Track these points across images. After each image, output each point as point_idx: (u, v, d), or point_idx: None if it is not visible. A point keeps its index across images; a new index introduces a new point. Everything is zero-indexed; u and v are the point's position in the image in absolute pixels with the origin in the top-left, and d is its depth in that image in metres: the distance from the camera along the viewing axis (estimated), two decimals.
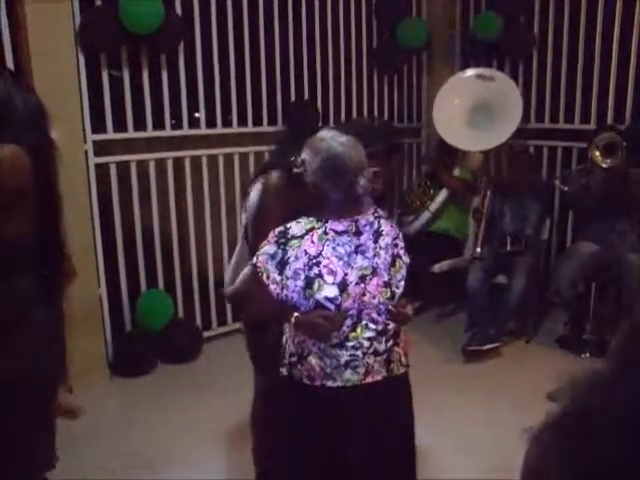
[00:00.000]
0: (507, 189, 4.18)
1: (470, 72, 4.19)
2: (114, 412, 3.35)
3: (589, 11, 4.31)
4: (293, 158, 1.85)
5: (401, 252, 1.88)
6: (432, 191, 4.65)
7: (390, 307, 1.83)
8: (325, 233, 1.75)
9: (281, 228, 1.76)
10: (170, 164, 3.90)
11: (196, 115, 4.02)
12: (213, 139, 4.08)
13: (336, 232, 1.76)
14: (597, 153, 3.61)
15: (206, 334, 4.15)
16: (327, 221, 1.76)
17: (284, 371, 1.87)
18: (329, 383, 1.80)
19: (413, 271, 1.95)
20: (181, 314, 4.07)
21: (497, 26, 4.56)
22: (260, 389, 2.35)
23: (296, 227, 1.75)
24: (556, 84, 4.59)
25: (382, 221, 1.86)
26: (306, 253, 1.72)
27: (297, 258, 1.72)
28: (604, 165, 3.59)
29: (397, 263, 1.86)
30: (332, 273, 1.73)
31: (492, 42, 4.65)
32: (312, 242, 1.73)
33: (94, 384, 3.54)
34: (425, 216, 4.59)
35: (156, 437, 3.09)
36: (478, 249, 3.98)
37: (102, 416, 3.31)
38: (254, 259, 1.76)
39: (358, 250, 1.78)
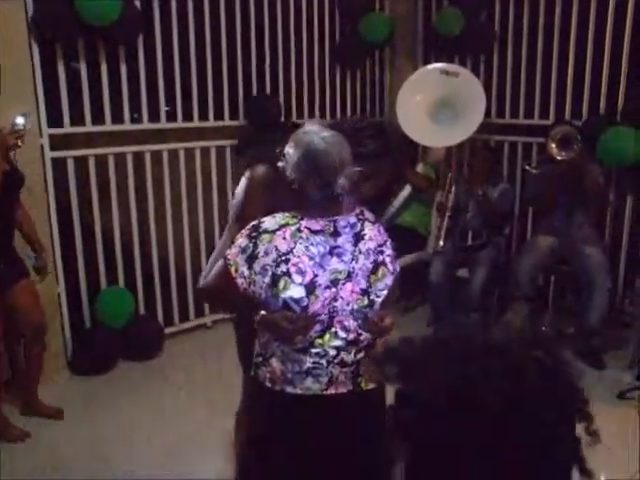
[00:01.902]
0: (471, 184, 4.22)
1: (434, 67, 4.19)
2: (74, 411, 3.28)
3: (548, 8, 4.37)
4: (278, 150, 1.77)
5: (387, 259, 1.76)
6: (395, 186, 4.66)
7: (369, 316, 1.71)
8: (299, 230, 1.66)
9: (255, 222, 1.70)
10: (130, 159, 3.83)
11: (164, 109, 3.94)
12: (174, 133, 4.02)
13: (311, 230, 1.67)
14: (553, 146, 3.68)
15: (168, 330, 4.11)
16: (302, 218, 1.68)
17: (252, 372, 1.81)
18: (289, 389, 1.71)
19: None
20: (142, 310, 4.01)
21: (459, 22, 4.60)
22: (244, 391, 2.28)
23: (270, 222, 1.68)
24: (516, 80, 4.65)
25: (367, 224, 1.76)
26: (276, 249, 1.64)
27: (267, 253, 1.64)
28: (559, 157, 3.65)
29: (380, 271, 1.73)
30: (301, 273, 1.64)
31: (454, 38, 4.68)
32: (284, 238, 1.65)
33: (53, 383, 3.47)
34: (389, 212, 4.61)
35: (117, 436, 3.05)
36: (441, 242, 4.01)
37: None
38: (227, 252, 1.71)
39: (334, 252, 1.69)
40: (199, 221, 4.18)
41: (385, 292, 1.75)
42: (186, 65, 3.96)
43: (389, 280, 1.76)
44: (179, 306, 4.21)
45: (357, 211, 1.77)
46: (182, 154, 4.04)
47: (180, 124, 4.02)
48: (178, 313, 4.21)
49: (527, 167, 4.12)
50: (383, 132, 2.00)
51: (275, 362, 1.73)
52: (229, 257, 1.68)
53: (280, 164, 1.72)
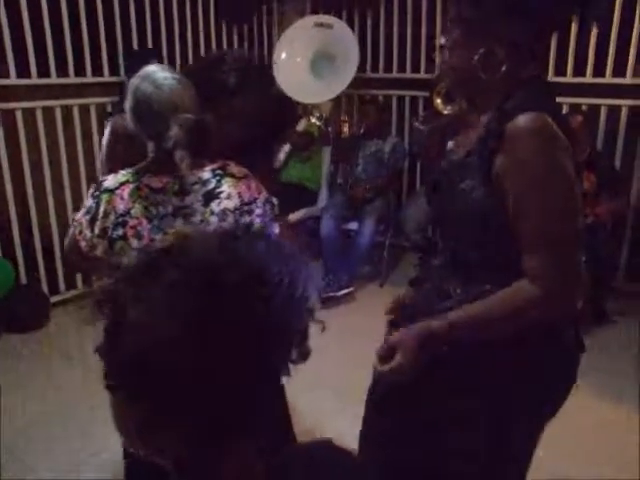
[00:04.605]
0: (361, 137, 4.26)
1: (307, 20, 4.15)
2: None
3: None
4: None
5: (257, 220, 1.53)
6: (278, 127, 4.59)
7: None
8: (138, 189, 1.51)
9: (101, 179, 1.58)
10: None
11: None
12: (48, 90, 3.77)
13: (151, 189, 1.51)
14: (438, 100, 3.76)
15: (54, 299, 3.93)
16: (144, 175, 1.52)
17: None
18: None
19: None
20: (24, 280, 3.80)
21: None
22: None
23: (111, 179, 1.55)
24: (403, 34, 4.69)
25: (226, 180, 1.54)
26: (114, 210, 1.51)
27: (106, 215, 1.51)
28: (445, 112, 3.74)
29: None
30: (138, 236, 1.50)
31: None
32: (122, 198, 1.51)
33: None
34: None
35: (4, 410, 2.88)
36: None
37: None
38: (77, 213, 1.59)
39: (179, 213, 1.51)
40: (81, 182, 3.98)
41: None
42: (57, 16, 3.69)
43: None
44: (65, 273, 4.01)
45: (215, 165, 1.57)
46: (58, 112, 3.81)
47: (54, 80, 3.77)
48: (64, 281, 4.02)
49: (416, 124, 4.18)
50: (248, 65, 1.84)
51: None
52: (76, 219, 1.57)
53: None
